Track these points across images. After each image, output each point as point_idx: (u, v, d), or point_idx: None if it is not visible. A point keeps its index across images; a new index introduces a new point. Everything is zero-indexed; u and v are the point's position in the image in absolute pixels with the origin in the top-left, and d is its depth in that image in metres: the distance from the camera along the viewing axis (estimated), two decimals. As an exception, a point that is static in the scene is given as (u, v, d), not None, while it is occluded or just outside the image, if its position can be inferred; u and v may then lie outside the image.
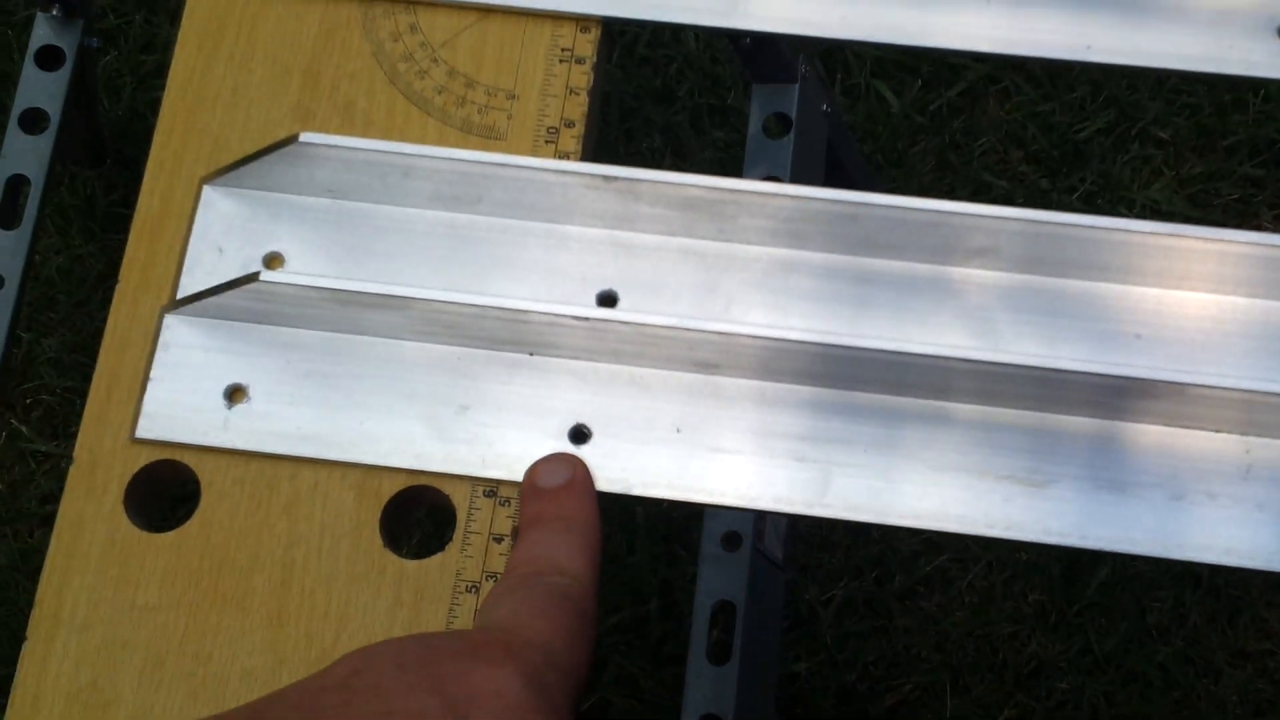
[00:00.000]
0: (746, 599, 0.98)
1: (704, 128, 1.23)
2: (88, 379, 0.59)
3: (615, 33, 0.64)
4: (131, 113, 1.22)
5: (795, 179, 0.85)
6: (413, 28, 0.63)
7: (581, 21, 0.63)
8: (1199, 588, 1.13)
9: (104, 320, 0.59)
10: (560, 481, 0.56)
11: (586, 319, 0.57)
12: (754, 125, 0.97)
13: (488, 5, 0.63)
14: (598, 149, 0.63)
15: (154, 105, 0.62)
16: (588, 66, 0.62)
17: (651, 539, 1.13)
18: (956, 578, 1.15)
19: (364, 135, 0.61)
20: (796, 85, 0.96)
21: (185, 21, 0.63)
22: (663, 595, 1.13)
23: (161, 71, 0.63)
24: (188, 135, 0.62)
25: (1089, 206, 1.20)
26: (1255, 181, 1.22)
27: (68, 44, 0.90)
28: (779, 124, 0.98)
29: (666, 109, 1.23)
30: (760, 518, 1.01)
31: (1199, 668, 1.13)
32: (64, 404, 1.17)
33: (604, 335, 0.57)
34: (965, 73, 1.24)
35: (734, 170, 0.80)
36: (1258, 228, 1.19)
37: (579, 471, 0.56)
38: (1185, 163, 1.22)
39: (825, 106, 1.00)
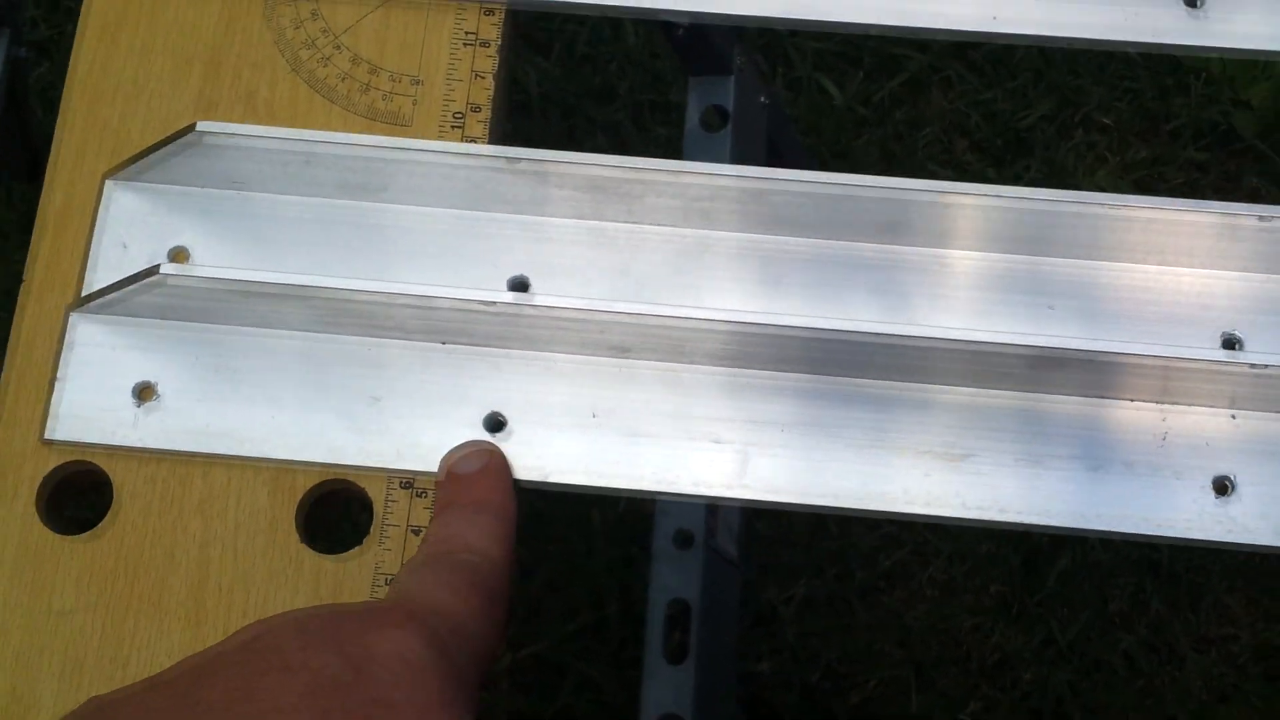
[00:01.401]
0: (701, 596, 0.97)
1: (646, 124, 1.22)
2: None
3: (520, 20, 0.64)
4: (69, 125, 1.21)
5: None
6: (314, 14, 0.62)
7: (485, 5, 0.62)
8: (1159, 575, 1.13)
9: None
10: (475, 468, 0.56)
11: (494, 303, 0.56)
12: (691, 119, 0.97)
13: (392, -8, 0.62)
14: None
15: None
16: (493, 50, 0.61)
17: (608, 542, 1.13)
18: (917, 572, 1.15)
19: (268, 125, 0.60)
20: (732, 77, 0.96)
21: (84, 13, 0.62)
22: (621, 598, 1.12)
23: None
24: (89, 130, 0.61)
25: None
26: (1199, 165, 1.22)
27: (-4, 55, 0.90)
28: (717, 117, 0.97)
29: (607, 106, 1.22)
30: (711, 514, 1.00)
31: (1162, 655, 1.12)
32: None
33: (516, 321, 0.57)
34: (907, 63, 1.23)
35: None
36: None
37: (494, 459, 0.56)
38: (1129, 148, 1.22)
39: (763, 98, 0.99)
